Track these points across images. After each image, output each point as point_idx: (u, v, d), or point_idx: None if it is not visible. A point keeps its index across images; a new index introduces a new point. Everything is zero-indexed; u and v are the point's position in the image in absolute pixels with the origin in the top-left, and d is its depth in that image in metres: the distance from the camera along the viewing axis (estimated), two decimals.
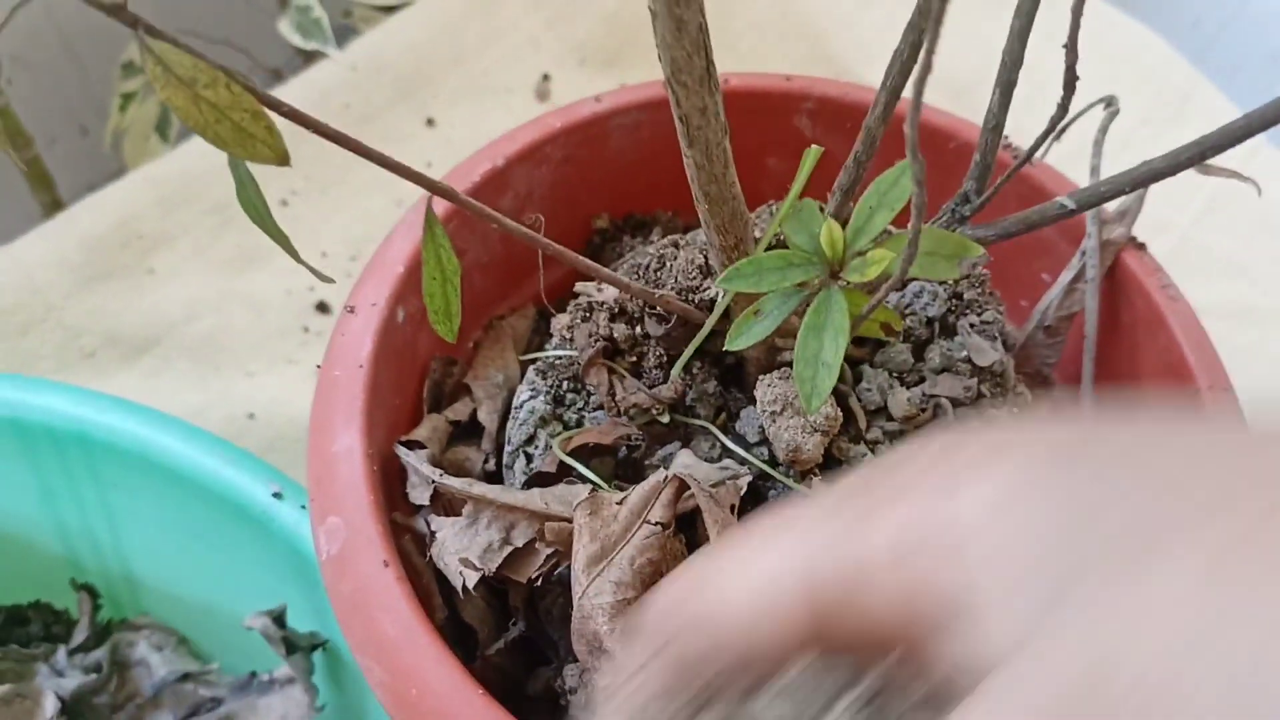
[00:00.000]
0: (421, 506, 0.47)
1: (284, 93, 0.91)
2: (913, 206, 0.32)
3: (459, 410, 0.51)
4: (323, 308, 0.83)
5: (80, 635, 0.62)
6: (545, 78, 0.95)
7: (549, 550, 0.44)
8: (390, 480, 0.47)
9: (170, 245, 0.85)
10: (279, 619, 0.55)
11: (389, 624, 0.41)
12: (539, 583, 0.44)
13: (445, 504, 0.46)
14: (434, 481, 0.45)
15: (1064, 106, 0.37)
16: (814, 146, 0.41)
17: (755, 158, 0.58)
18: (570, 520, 0.42)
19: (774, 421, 0.46)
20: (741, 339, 0.40)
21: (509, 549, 0.44)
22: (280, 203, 0.87)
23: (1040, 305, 0.55)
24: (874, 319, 0.41)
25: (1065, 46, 0.36)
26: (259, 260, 0.84)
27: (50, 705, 0.58)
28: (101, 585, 0.64)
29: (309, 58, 0.96)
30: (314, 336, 0.81)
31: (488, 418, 0.52)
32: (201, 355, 0.80)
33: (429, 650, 0.41)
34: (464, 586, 0.43)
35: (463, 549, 0.44)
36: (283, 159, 0.32)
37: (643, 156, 0.58)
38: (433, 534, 0.46)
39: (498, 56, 0.96)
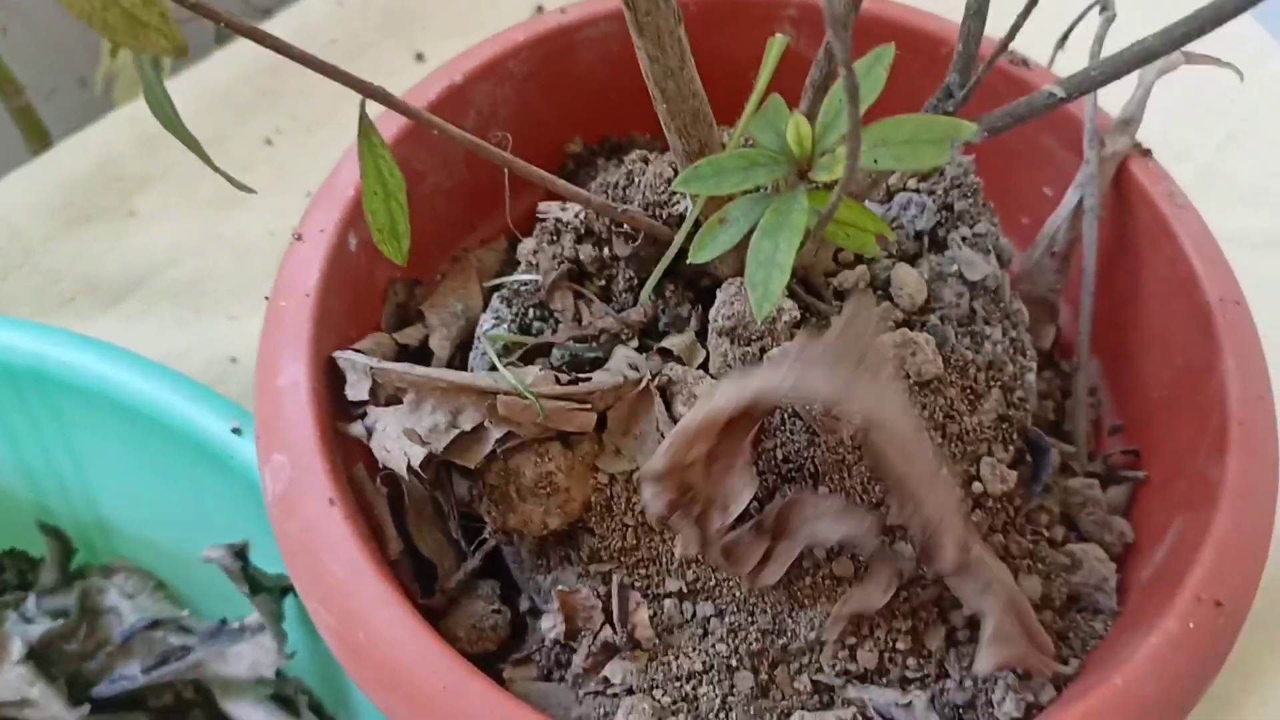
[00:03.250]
0: (361, 408, 0.44)
1: (270, 27, 0.88)
2: (844, 89, 0.29)
3: (409, 335, 0.48)
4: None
5: (48, 578, 0.61)
6: (539, 9, 0.91)
7: (499, 432, 0.41)
8: (338, 404, 0.44)
9: (152, 186, 0.82)
10: (240, 553, 0.52)
11: (335, 565, 0.39)
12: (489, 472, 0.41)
13: (387, 398, 0.43)
14: (371, 368, 0.42)
15: None
16: (778, 35, 0.38)
17: (738, 72, 0.54)
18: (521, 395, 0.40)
19: (718, 338, 0.42)
20: (706, 250, 0.37)
21: (455, 431, 0.41)
22: (265, 141, 0.85)
23: (1046, 230, 0.51)
24: (864, 228, 0.37)
25: None
26: (242, 202, 0.82)
27: (16, 650, 0.56)
28: (73, 530, 0.62)
29: None
30: None
31: (439, 344, 0.49)
32: (183, 299, 0.77)
33: (377, 592, 0.38)
34: (409, 466, 0.40)
35: (406, 429, 0.41)
36: (180, 49, 0.29)
37: (615, 73, 0.55)
38: (374, 426, 0.43)
39: None
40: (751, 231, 0.37)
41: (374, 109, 0.37)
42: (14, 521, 0.62)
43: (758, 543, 0.40)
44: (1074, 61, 0.45)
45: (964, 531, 0.37)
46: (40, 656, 0.58)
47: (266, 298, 0.45)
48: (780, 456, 0.42)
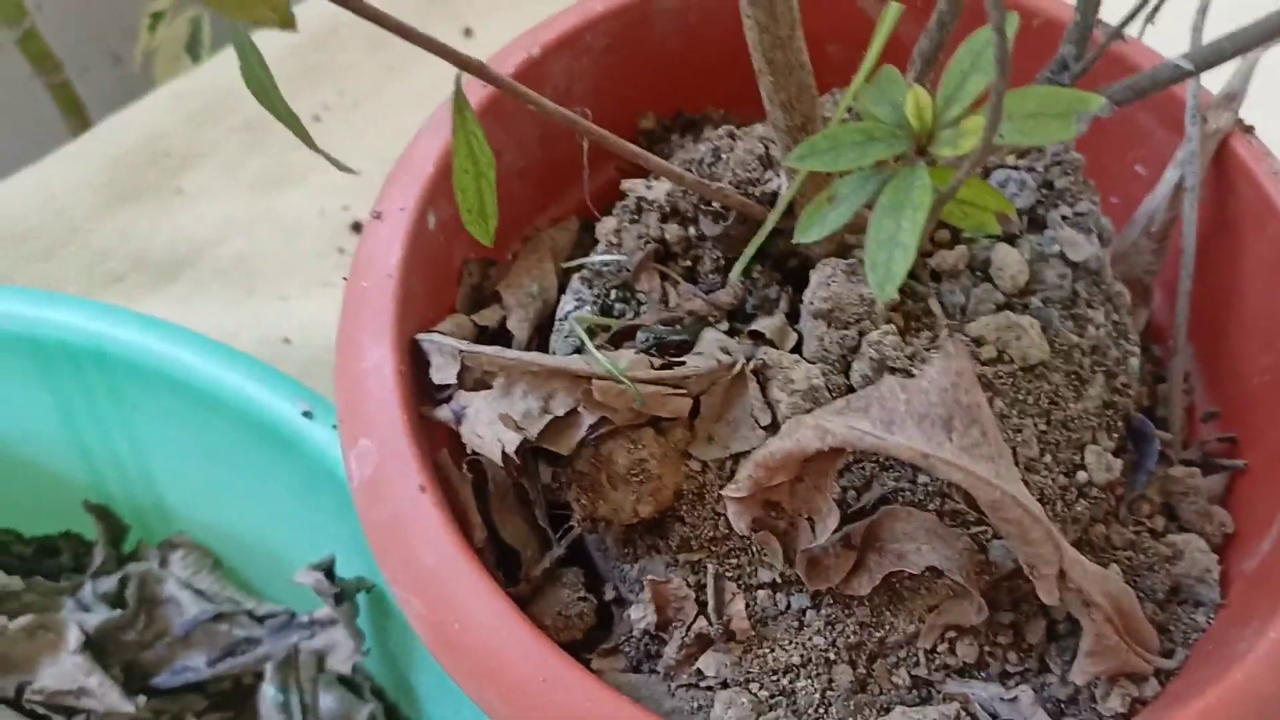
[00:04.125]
0: (447, 391, 0.42)
1: (316, 1, 0.86)
2: (994, 62, 0.27)
3: (487, 316, 0.47)
4: (358, 228, 0.79)
5: (98, 558, 0.60)
6: None
7: (593, 418, 0.39)
8: (422, 385, 0.43)
9: (199, 164, 0.81)
10: (329, 571, 0.52)
11: (427, 553, 0.38)
12: (579, 459, 0.40)
13: (475, 382, 0.42)
14: (461, 351, 0.41)
15: None
16: (894, 3, 0.36)
17: (816, 45, 0.52)
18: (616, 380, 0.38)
19: (814, 320, 0.41)
20: (814, 229, 0.35)
21: (548, 417, 0.40)
22: (313, 118, 0.83)
23: (1143, 209, 0.49)
24: (983, 207, 0.36)
25: None
26: (291, 179, 0.81)
27: (74, 638, 0.55)
28: (131, 513, 0.61)
29: None
30: (349, 258, 0.77)
31: (518, 326, 0.48)
32: (233, 278, 0.76)
33: (472, 581, 0.37)
34: (504, 453, 0.39)
35: (499, 413, 0.40)
36: (286, 21, 0.28)
37: (691, 45, 0.53)
38: (462, 411, 0.41)
39: None
40: (861, 210, 0.35)
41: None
42: (70, 504, 0.62)
43: (845, 555, 0.39)
44: (1160, 35, 0.44)
45: (1059, 578, 0.36)
46: (97, 646, 0.57)
47: (345, 279, 0.44)
48: (869, 474, 0.40)
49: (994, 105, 0.27)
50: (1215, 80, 0.48)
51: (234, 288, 0.76)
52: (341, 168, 0.34)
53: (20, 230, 0.75)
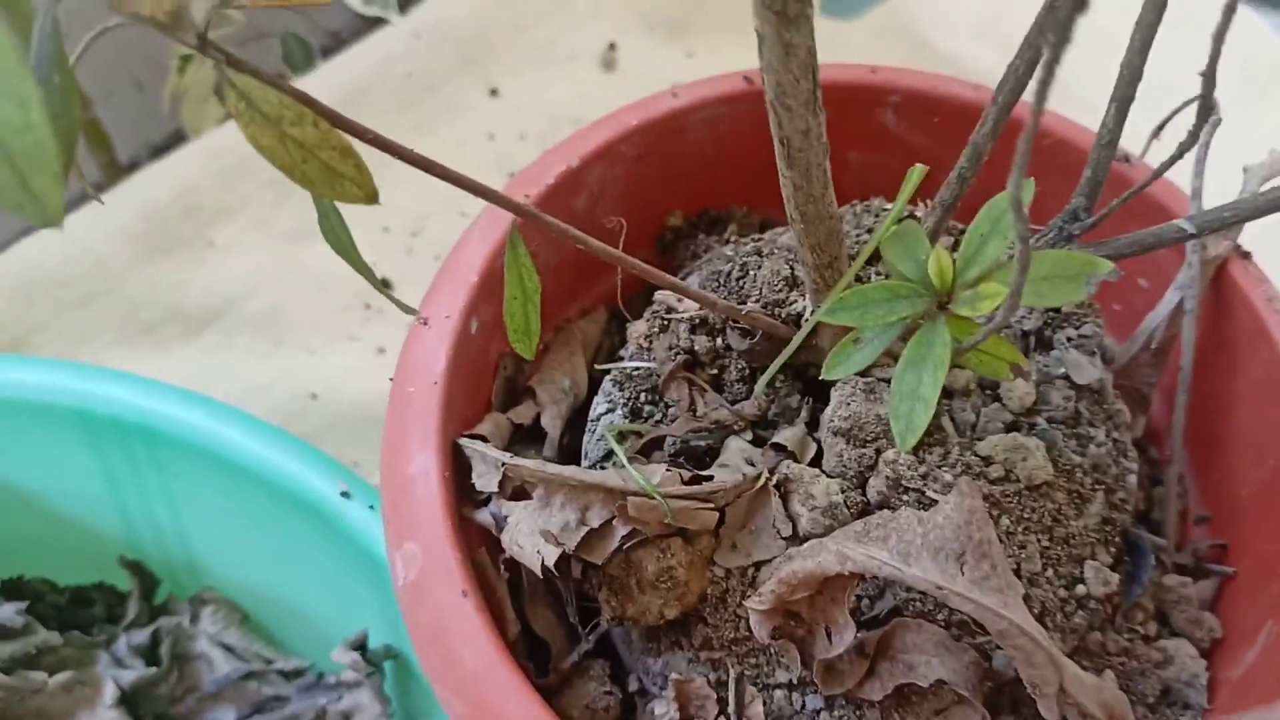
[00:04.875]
0: (487, 497, 0.45)
1: (344, 60, 0.89)
2: (1015, 239, 0.30)
3: (522, 413, 0.50)
4: (385, 284, 0.81)
5: (132, 610, 0.62)
6: (611, 46, 0.92)
7: (625, 529, 0.42)
8: (463, 486, 0.45)
9: (230, 217, 0.84)
10: (363, 647, 0.54)
11: (469, 656, 0.40)
12: (610, 564, 0.42)
13: (515, 490, 0.45)
14: (503, 464, 0.44)
15: (1195, 134, 0.35)
16: (918, 166, 0.39)
17: (836, 151, 0.55)
18: (650, 496, 0.41)
19: (833, 437, 0.44)
20: (840, 368, 0.38)
21: (585, 529, 0.42)
22: None
23: (1144, 327, 0.52)
24: (998, 357, 0.38)
25: (1202, 74, 0.33)
26: (319, 234, 0.83)
27: (110, 694, 0.58)
28: (164, 570, 0.64)
29: (370, 23, 0.94)
30: (375, 313, 0.80)
31: (551, 423, 0.50)
32: (262, 331, 0.79)
33: (510, 685, 0.39)
34: (543, 565, 0.42)
35: (539, 527, 0.42)
36: (371, 198, 0.30)
37: (719, 152, 0.56)
38: (503, 519, 0.44)
39: (562, 24, 0.94)
40: (883, 351, 0.38)
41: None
42: (104, 557, 0.64)
43: (858, 663, 0.42)
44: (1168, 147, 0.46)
45: (1061, 695, 0.39)
46: (130, 700, 0.59)
47: (391, 379, 0.47)
48: (882, 585, 0.43)
49: (1016, 281, 0.30)
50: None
51: (263, 340, 0.79)
52: (407, 310, 0.37)
53: (59, 279, 0.78)
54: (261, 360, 0.78)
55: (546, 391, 0.51)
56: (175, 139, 0.87)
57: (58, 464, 0.59)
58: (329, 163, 0.29)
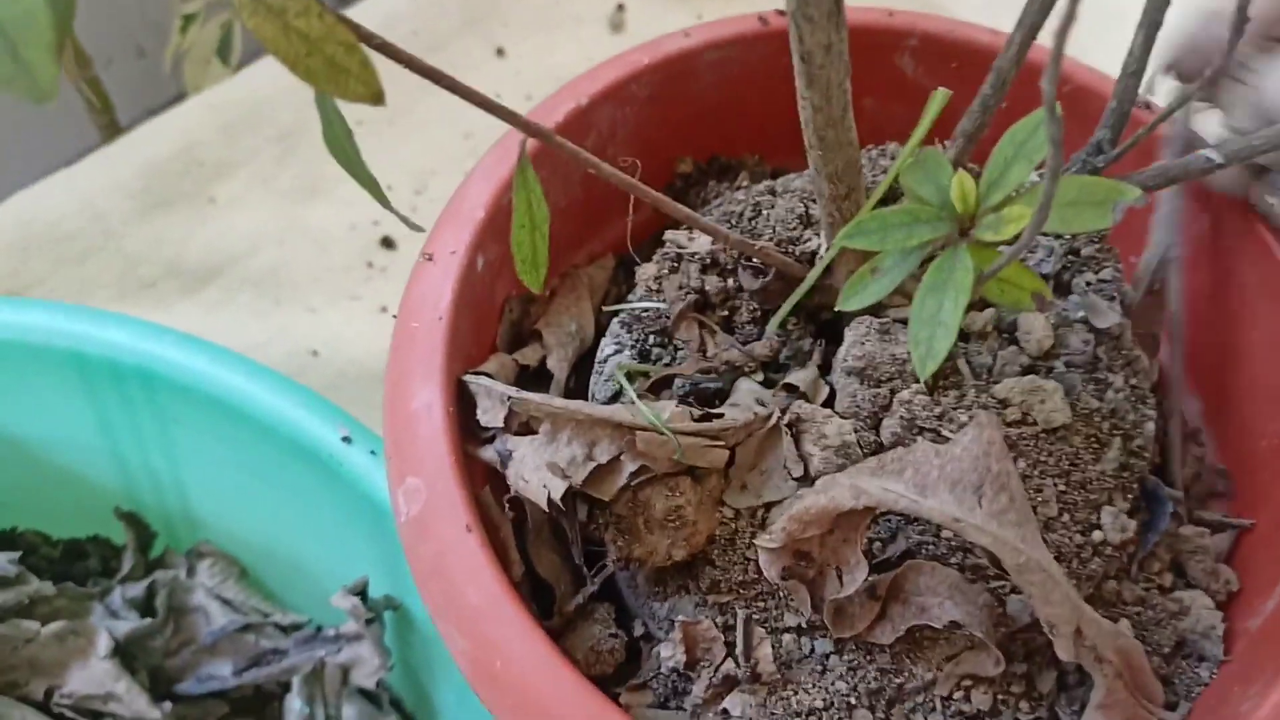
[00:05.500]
0: (493, 434, 0.44)
1: (353, 15, 0.88)
2: (1047, 169, 0.29)
3: (528, 355, 0.49)
4: (387, 243, 0.80)
5: (127, 564, 0.61)
6: (620, 7, 0.91)
7: (634, 465, 0.41)
8: (468, 424, 0.44)
9: (232, 173, 0.83)
10: (363, 594, 0.53)
11: (472, 592, 0.39)
12: (617, 503, 0.41)
13: (521, 426, 0.44)
14: (509, 398, 0.43)
15: (1229, 53, 0.34)
16: (941, 89, 0.38)
17: (853, 96, 0.54)
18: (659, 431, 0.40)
19: (847, 378, 0.43)
20: (856, 298, 0.37)
21: (592, 465, 0.41)
22: None
23: (1143, 267, 0.51)
24: (1021, 286, 0.37)
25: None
26: (322, 192, 0.82)
27: (104, 645, 0.57)
28: (161, 522, 0.63)
29: None
30: (377, 272, 0.79)
31: (557, 365, 0.49)
32: (263, 289, 0.78)
33: (514, 621, 0.38)
34: (549, 500, 0.41)
35: (545, 461, 0.41)
36: (377, 97, 0.29)
37: (730, 97, 0.55)
38: (508, 454, 0.43)
39: None
40: (903, 281, 0.37)
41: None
42: (99, 509, 0.63)
43: (869, 605, 0.41)
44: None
45: (1076, 636, 0.38)
46: (125, 652, 0.59)
47: (394, 315, 0.46)
48: (895, 527, 0.42)
49: (1044, 199, 0.29)
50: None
51: (263, 298, 0.78)
52: (414, 226, 0.36)
53: (57, 234, 0.77)
54: (262, 318, 0.77)
55: (553, 334, 0.50)
56: (177, 103, 0.86)
57: (52, 410, 0.58)
58: (334, 57, 0.28)
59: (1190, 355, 0.54)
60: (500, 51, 0.89)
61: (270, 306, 0.77)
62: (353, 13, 0.89)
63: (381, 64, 0.89)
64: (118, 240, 0.78)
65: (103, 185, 0.79)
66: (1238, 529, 0.49)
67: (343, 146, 0.33)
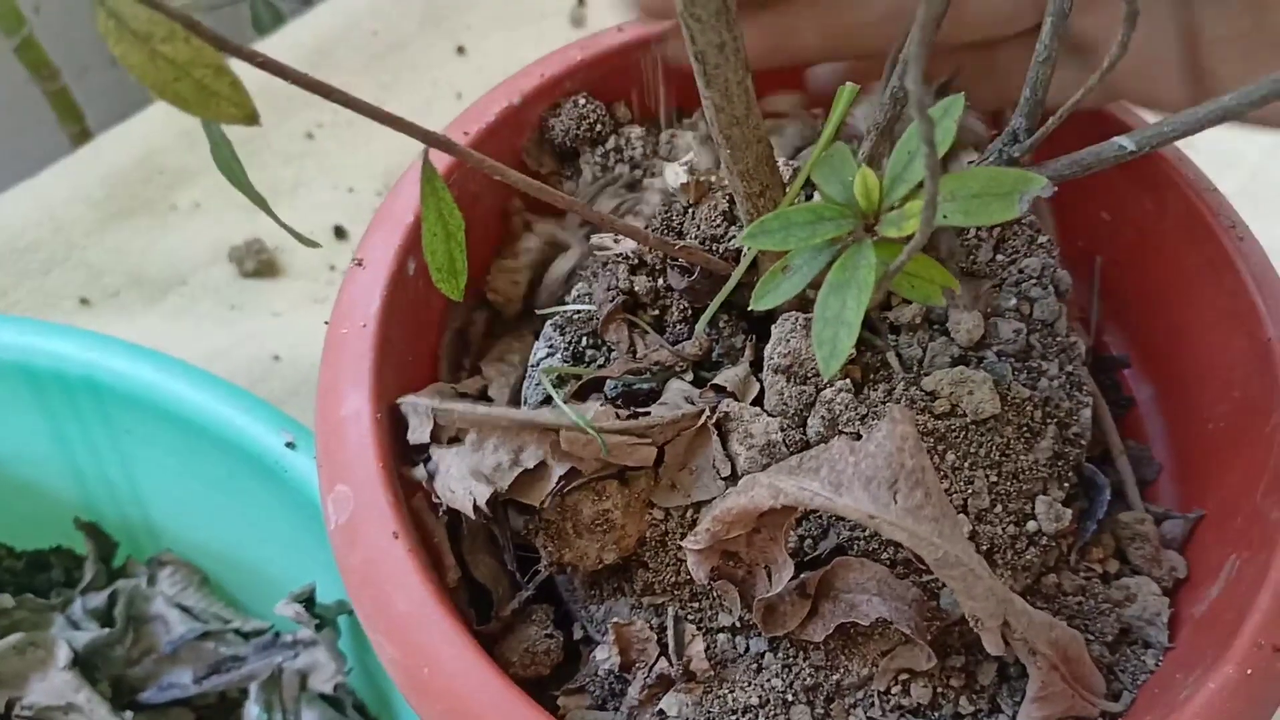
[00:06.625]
0: (424, 452, 0.44)
1: (310, 18, 0.88)
2: (925, 168, 0.29)
3: (469, 385, 0.49)
4: (340, 233, 0.80)
5: (89, 574, 0.62)
6: (581, 2, 0.91)
7: (562, 468, 0.41)
8: (401, 444, 0.44)
9: (193, 180, 0.82)
10: (309, 601, 0.53)
11: (400, 599, 0.39)
12: (546, 508, 0.41)
13: (449, 439, 0.44)
14: (433, 409, 0.43)
15: (1124, 44, 0.33)
16: (849, 85, 0.37)
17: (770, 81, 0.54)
18: (583, 431, 0.40)
19: (774, 375, 0.43)
20: (768, 297, 0.37)
21: (518, 469, 0.41)
22: (306, 135, 0.85)
23: None
24: (930, 280, 0.37)
25: None
26: (282, 197, 0.82)
27: (63, 656, 0.57)
28: (120, 530, 0.63)
29: None
30: (340, 275, 0.79)
31: (499, 393, 0.49)
32: (225, 295, 0.78)
33: (442, 627, 0.38)
34: (474, 506, 0.41)
35: (471, 469, 0.41)
36: (250, 118, 0.29)
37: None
38: (435, 467, 0.43)
39: None
40: (813, 279, 0.37)
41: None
42: (61, 520, 0.63)
43: (800, 603, 0.41)
44: None
45: (1003, 628, 0.38)
46: (85, 662, 0.59)
47: (326, 322, 0.46)
48: (826, 523, 0.42)
49: (929, 193, 0.29)
50: None
51: (225, 304, 0.78)
52: (307, 243, 0.36)
53: (20, 245, 0.77)
54: (224, 324, 0.77)
55: (494, 367, 0.50)
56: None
57: (5, 423, 0.58)
58: (202, 81, 0.28)
59: (1140, 340, 0.54)
60: (461, 49, 0.89)
61: (233, 313, 0.77)
62: (315, 14, 0.89)
63: (336, 71, 0.88)
64: (80, 251, 0.78)
65: (65, 195, 0.80)
66: (1193, 520, 0.49)
67: (230, 166, 0.33)
